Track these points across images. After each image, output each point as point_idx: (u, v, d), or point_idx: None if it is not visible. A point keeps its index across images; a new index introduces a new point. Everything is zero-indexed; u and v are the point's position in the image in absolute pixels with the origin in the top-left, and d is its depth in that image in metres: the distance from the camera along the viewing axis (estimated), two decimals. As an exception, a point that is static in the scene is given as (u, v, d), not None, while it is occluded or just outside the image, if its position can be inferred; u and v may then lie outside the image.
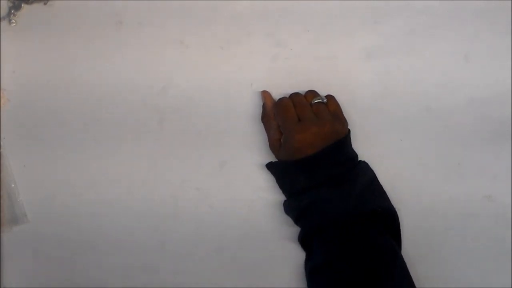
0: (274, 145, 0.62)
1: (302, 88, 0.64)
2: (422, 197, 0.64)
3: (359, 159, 0.62)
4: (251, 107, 0.64)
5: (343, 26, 0.63)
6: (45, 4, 0.64)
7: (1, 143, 0.64)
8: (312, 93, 0.63)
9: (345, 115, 0.63)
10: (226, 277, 0.65)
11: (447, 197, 0.65)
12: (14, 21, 0.63)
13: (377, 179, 0.62)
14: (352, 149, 0.62)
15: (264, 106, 0.64)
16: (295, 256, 0.63)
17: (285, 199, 0.62)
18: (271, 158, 0.63)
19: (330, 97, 0.63)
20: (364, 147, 0.64)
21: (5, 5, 0.63)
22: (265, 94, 0.63)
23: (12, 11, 0.63)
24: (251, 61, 0.64)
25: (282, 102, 0.62)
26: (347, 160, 0.61)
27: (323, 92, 0.63)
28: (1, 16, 0.63)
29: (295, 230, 0.63)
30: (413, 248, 0.64)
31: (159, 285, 0.65)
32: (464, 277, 0.65)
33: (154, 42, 0.64)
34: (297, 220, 0.61)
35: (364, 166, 0.62)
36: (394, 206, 0.62)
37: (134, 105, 0.64)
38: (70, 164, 0.64)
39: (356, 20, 0.64)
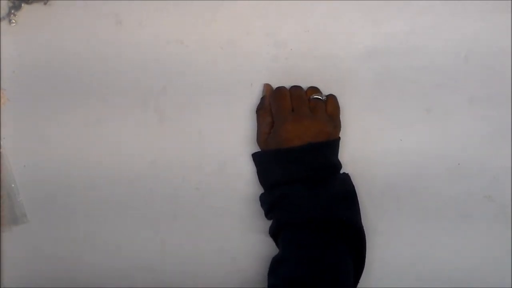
0: (261, 138, 0.62)
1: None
2: (422, 197, 0.64)
3: (344, 172, 0.62)
4: (251, 107, 0.64)
5: (343, 26, 0.63)
6: (45, 4, 0.63)
7: (1, 143, 0.64)
8: (313, 89, 0.62)
9: (345, 114, 0.63)
10: (226, 277, 0.65)
11: (447, 197, 0.65)
12: (14, 21, 0.63)
13: (356, 195, 0.60)
14: (337, 158, 0.62)
15: (263, 98, 0.63)
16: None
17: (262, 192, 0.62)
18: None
19: (331, 97, 0.63)
20: (364, 147, 0.64)
21: (5, 5, 0.63)
22: (267, 87, 0.63)
23: (12, 11, 0.63)
24: (251, 61, 0.64)
25: (279, 90, 0.61)
26: (330, 166, 0.60)
27: (323, 91, 0.63)
28: (1, 16, 0.63)
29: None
30: (412, 248, 0.64)
31: (159, 285, 0.65)
32: (464, 277, 0.65)
33: (154, 42, 0.64)
34: (267, 213, 0.61)
35: (345, 178, 0.61)
36: (394, 206, 0.62)
37: (134, 105, 0.64)
38: (71, 164, 0.64)
39: (356, 20, 0.63)
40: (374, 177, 0.64)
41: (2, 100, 0.64)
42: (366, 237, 0.58)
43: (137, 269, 0.65)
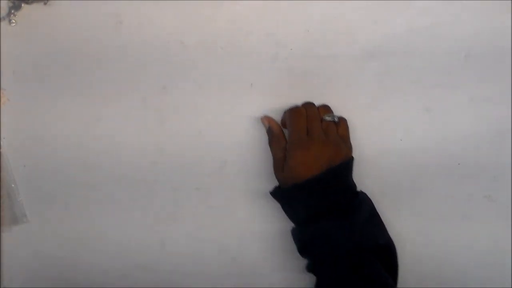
0: (278, 165, 0.60)
1: (303, 88, 0.64)
2: (422, 197, 0.65)
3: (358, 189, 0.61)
4: (251, 107, 0.64)
5: (343, 26, 0.63)
6: (45, 4, 0.63)
7: (1, 143, 0.64)
8: (325, 109, 0.62)
9: (345, 115, 0.63)
10: (226, 277, 0.65)
11: (447, 197, 0.65)
12: (14, 21, 0.63)
13: (376, 210, 0.60)
14: (352, 179, 0.61)
15: (269, 130, 0.62)
16: (295, 256, 0.63)
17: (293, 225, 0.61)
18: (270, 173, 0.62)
19: (342, 119, 0.62)
20: (364, 147, 0.64)
21: (5, 5, 0.63)
22: (267, 119, 0.63)
23: (12, 11, 0.63)
24: (251, 61, 0.64)
25: (296, 110, 0.61)
26: (347, 189, 0.59)
27: (323, 91, 0.63)
28: (1, 16, 0.63)
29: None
30: (412, 248, 0.64)
31: (159, 285, 0.65)
32: (464, 277, 0.65)
33: (154, 42, 0.64)
34: (300, 252, 0.60)
35: (364, 197, 0.60)
36: (394, 206, 0.62)
37: (134, 105, 0.64)
38: (71, 164, 0.64)
39: (356, 20, 0.64)
40: (374, 177, 0.64)
41: (2, 100, 0.64)
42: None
43: (137, 269, 0.65)
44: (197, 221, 0.65)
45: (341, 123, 0.62)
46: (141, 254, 0.65)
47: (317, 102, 0.63)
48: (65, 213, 0.65)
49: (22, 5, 0.63)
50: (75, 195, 0.65)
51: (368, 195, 0.60)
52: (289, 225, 0.62)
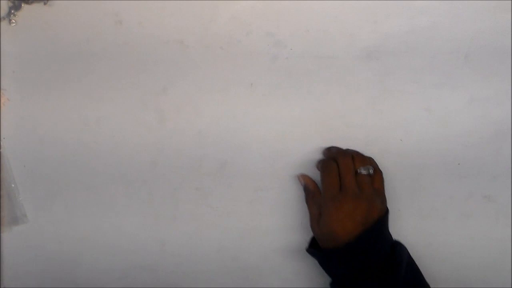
0: (314, 219, 0.60)
1: (303, 88, 0.64)
2: (422, 197, 0.65)
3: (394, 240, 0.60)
4: (251, 107, 0.64)
5: (343, 26, 0.63)
6: (45, 4, 0.63)
7: (1, 143, 0.64)
8: (360, 160, 0.60)
9: (345, 114, 0.63)
10: (226, 277, 0.65)
11: (447, 197, 0.65)
12: (14, 21, 0.63)
13: (411, 257, 0.59)
14: (388, 232, 0.60)
15: (305, 188, 0.63)
16: (295, 256, 0.63)
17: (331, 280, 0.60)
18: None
19: (377, 171, 0.61)
20: (364, 147, 0.64)
21: (5, 5, 0.63)
22: (302, 177, 0.63)
23: (12, 11, 0.63)
24: (251, 61, 0.64)
25: (328, 164, 0.60)
26: (385, 245, 0.58)
27: (323, 91, 0.63)
28: (1, 16, 0.63)
29: (294, 230, 0.63)
30: (412, 248, 0.64)
31: (159, 285, 0.65)
32: (464, 277, 0.65)
33: (154, 42, 0.64)
34: None
35: (401, 248, 0.59)
36: (394, 207, 0.62)
37: (134, 105, 0.64)
38: (71, 164, 0.64)
39: (356, 20, 0.63)
40: (374, 177, 0.64)
41: (2, 100, 0.64)
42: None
43: (137, 269, 0.65)
44: (197, 221, 0.65)
45: (376, 175, 0.60)
46: (141, 254, 0.65)
47: (318, 105, 0.63)
48: (65, 213, 0.65)
49: (22, 5, 0.63)
50: (75, 195, 0.65)
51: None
52: (289, 224, 0.62)
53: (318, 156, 0.64)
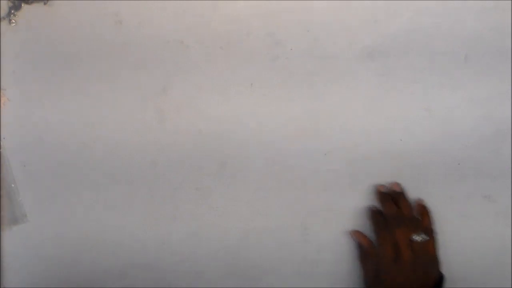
0: (368, 279, 0.61)
1: (303, 88, 0.64)
2: (422, 197, 0.64)
3: None
4: (251, 107, 0.64)
5: (343, 26, 0.63)
6: (45, 4, 0.63)
7: (1, 143, 0.64)
8: (415, 226, 0.60)
9: (345, 114, 0.63)
10: (226, 277, 0.65)
11: (447, 197, 0.65)
12: (14, 21, 0.63)
13: None
14: None
15: (359, 246, 0.63)
16: (295, 256, 0.63)
17: None
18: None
19: (431, 236, 0.61)
20: (364, 147, 0.64)
21: (5, 5, 0.63)
22: (356, 234, 0.63)
23: (12, 11, 0.63)
24: (251, 61, 0.64)
25: (384, 231, 0.60)
26: None
27: (323, 91, 0.63)
28: (1, 16, 0.63)
29: (295, 230, 0.63)
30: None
31: (159, 284, 0.65)
32: (464, 277, 0.65)
33: (154, 42, 0.64)
34: None
35: None
36: (394, 206, 0.62)
37: (134, 105, 0.64)
38: (70, 164, 0.64)
39: (356, 20, 0.63)
40: (374, 177, 0.64)
41: (2, 100, 0.64)
42: None
43: (137, 269, 0.65)
44: (197, 221, 0.65)
45: (430, 241, 0.60)
46: (141, 254, 0.65)
47: (318, 105, 0.63)
48: (65, 213, 0.65)
49: (22, 5, 0.63)
50: (75, 195, 0.65)
51: (368, 194, 0.60)
52: (289, 224, 0.62)
53: (318, 156, 0.64)
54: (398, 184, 0.63)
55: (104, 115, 0.64)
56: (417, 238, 0.59)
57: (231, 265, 0.65)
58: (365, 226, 0.64)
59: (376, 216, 0.62)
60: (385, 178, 0.63)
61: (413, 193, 0.64)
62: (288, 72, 0.64)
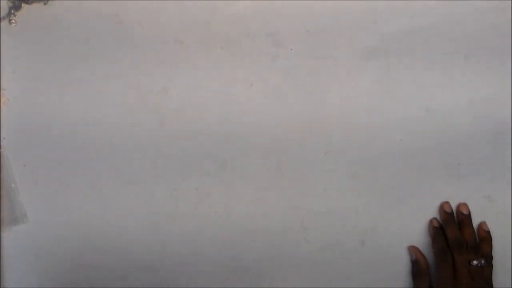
0: None
1: (303, 88, 0.64)
2: (422, 197, 0.64)
3: None
4: (251, 107, 0.64)
5: (343, 26, 0.63)
6: (45, 4, 0.63)
7: (1, 143, 0.64)
8: (474, 251, 0.62)
9: (345, 114, 0.63)
10: (226, 277, 0.65)
11: (447, 197, 0.65)
12: (14, 21, 0.63)
13: None
14: None
15: (415, 262, 0.63)
16: (295, 256, 0.63)
17: None
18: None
19: (487, 261, 0.62)
20: (364, 147, 0.64)
21: (5, 5, 0.63)
22: (414, 250, 0.64)
23: (12, 11, 0.63)
24: (251, 61, 0.64)
25: (444, 256, 0.61)
26: None
27: (323, 91, 0.63)
28: (1, 16, 0.63)
29: (295, 230, 0.63)
30: (413, 248, 0.64)
31: (159, 285, 0.65)
32: (464, 277, 0.64)
33: (154, 42, 0.64)
34: None
35: None
36: (394, 206, 0.62)
37: (134, 105, 0.64)
38: (70, 164, 0.64)
39: (356, 20, 0.63)
40: (374, 177, 0.64)
41: (2, 100, 0.64)
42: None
43: (137, 269, 0.65)
44: (197, 221, 0.65)
45: (486, 266, 0.61)
46: (141, 254, 0.65)
47: (318, 105, 0.63)
48: (65, 213, 0.65)
49: (22, 5, 0.63)
50: (75, 195, 0.65)
51: (368, 194, 0.60)
52: (289, 225, 0.62)
53: (318, 156, 0.64)
54: (465, 206, 0.64)
55: (104, 115, 0.64)
56: (476, 262, 0.61)
57: (231, 265, 0.65)
58: (363, 226, 0.64)
59: (438, 237, 0.63)
60: (385, 178, 0.63)
61: (413, 193, 0.64)
62: (288, 72, 0.64)
